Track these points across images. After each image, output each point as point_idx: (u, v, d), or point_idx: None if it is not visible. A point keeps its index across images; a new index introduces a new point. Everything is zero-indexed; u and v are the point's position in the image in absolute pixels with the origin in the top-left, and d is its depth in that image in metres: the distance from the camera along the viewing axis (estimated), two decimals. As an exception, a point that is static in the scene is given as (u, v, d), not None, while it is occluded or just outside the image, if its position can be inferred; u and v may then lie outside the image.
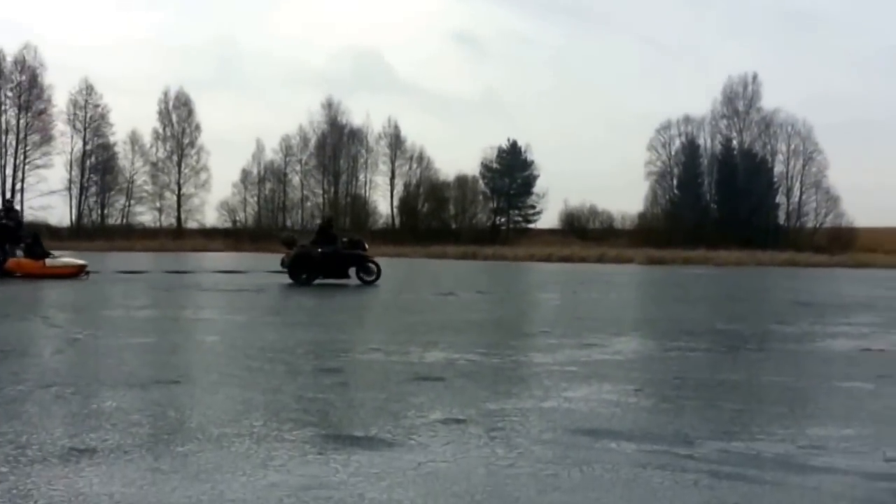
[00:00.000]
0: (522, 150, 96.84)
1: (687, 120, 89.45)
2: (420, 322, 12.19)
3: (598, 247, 68.59)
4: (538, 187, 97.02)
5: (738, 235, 74.12)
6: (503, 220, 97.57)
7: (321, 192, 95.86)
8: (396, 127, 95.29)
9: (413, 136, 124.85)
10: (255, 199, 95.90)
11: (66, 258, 23.80)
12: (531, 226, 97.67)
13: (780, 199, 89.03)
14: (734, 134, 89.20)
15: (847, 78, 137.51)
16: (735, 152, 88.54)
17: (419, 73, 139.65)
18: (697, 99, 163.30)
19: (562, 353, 8.63)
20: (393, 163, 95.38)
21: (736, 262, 55.29)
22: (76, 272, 22.39)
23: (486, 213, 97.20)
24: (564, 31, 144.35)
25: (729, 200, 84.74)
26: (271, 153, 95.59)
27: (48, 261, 22.30)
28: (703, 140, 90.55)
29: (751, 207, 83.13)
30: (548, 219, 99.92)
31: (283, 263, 21.79)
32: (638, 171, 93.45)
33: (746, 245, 68.50)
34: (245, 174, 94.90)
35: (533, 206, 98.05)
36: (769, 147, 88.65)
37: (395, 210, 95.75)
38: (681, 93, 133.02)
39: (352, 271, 21.53)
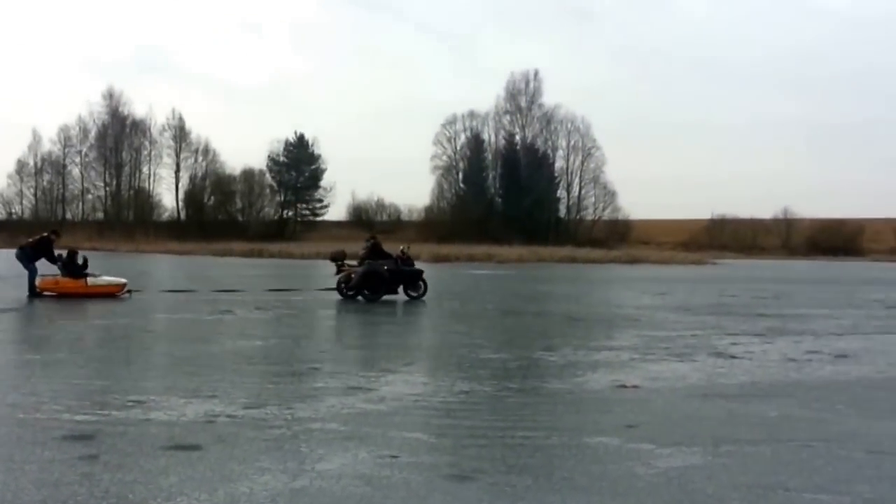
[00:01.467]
0: (310, 143, 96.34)
1: (472, 115, 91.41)
2: (190, 356, 11.81)
3: (384, 242, 69.01)
4: (326, 180, 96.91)
5: (522, 229, 76.38)
6: (291, 213, 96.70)
7: (102, 184, 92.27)
8: (181, 119, 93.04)
9: (198, 128, 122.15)
10: (32, 191, 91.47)
11: (107, 277, 22.59)
12: (320, 219, 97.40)
13: (561, 193, 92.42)
14: (517, 129, 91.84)
15: (623, 75, 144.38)
16: (518, 147, 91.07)
17: (205, 64, 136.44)
18: (483, 94, 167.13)
19: (327, 401, 8.51)
20: (178, 155, 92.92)
21: (518, 259, 56.90)
22: (118, 291, 21.74)
23: (273, 207, 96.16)
24: (354, 22, 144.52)
25: (512, 195, 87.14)
26: (49, 144, 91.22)
27: (90, 279, 21.49)
28: (488, 135, 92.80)
29: (533, 201, 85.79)
30: (336, 211, 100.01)
31: (339, 283, 22.57)
32: (425, 164, 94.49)
33: (530, 238, 70.77)
34: (21, 165, 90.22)
35: (321, 200, 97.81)
36: (550, 143, 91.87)
37: (180, 203, 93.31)
38: (467, 87, 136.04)
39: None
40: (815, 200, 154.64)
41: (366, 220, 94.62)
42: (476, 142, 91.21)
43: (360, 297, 21.97)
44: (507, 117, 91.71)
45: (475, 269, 47.45)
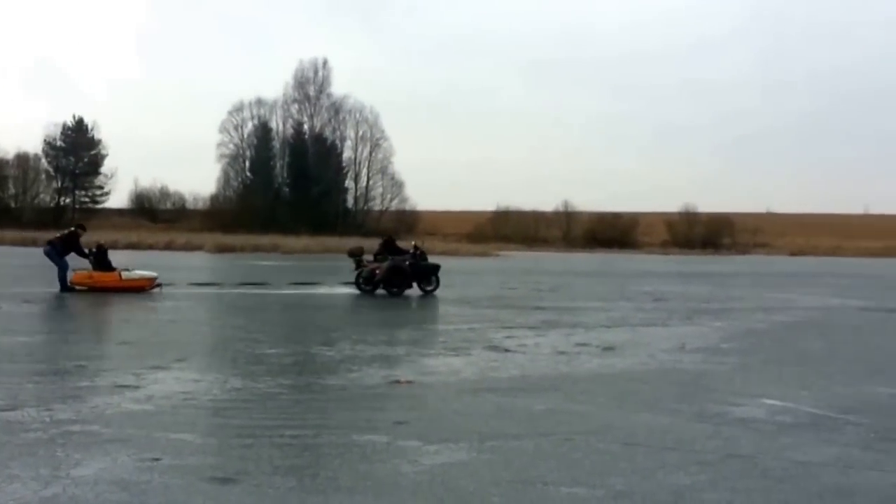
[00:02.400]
0: (89, 127, 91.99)
1: (259, 102, 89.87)
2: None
3: (167, 231, 67.09)
4: (106, 167, 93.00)
5: (309, 219, 75.80)
6: (68, 200, 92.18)
7: None
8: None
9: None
10: None
11: (139, 271, 22.84)
12: (100, 206, 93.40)
13: (349, 183, 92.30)
14: (305, 118, 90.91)
15: (412, 66, 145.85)
16: (306, 137, 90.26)
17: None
18: (271, 82, 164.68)
19: (90, 401, 8.15)
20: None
21: (304, 250, 56.44)
22: (149, 285, 21.89)
23: (49, 194, 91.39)
24: (143, 4, 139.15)
25: (300, 184, 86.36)
26: None
27: (124, 273, 21.79)
28: (276, 123, 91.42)
29: (321, 191, 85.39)
30: (118, 199, 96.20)
31: (358, 278, 23.12)
32: (211, 152, 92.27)
33: (317, 228, 70.40)
34: None
35: (101, 187, 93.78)
36: (339, 132, 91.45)
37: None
38: (255, 75, 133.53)
39: None
40: (596, 194, 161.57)
41: (149, 207, 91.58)
42: (263, 130, 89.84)
43: (377, 292, 22.75)
44: (296, 106, 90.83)
45: (260, 259, 46.77)
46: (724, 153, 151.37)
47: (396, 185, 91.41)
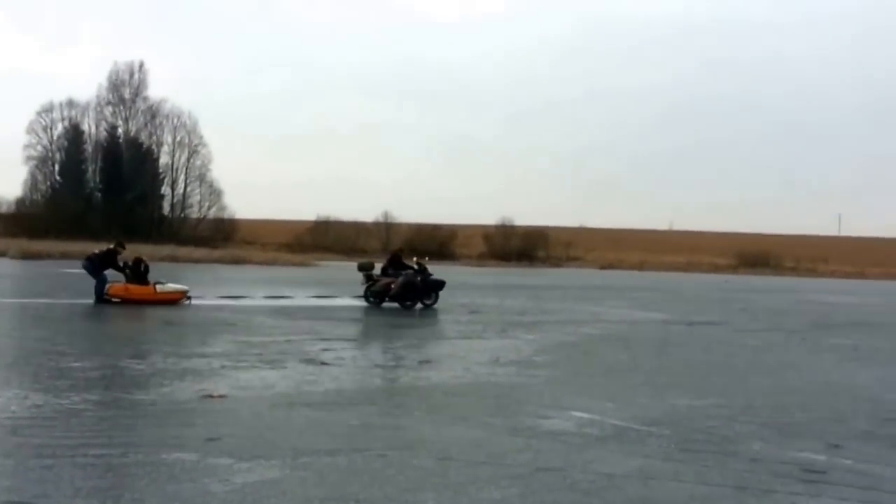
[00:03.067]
0: None
1: (71, 104, 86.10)
2: None
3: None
4: None
5: (123, 225, 73.05)
6: None
7: None
8: None
9: None
10: None
11: (172, 284, 23.39)
12: None
13: (166, 190, 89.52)
14: (120, 122, 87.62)
15: (232, 74, 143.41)
16: (121, 140, 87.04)
17: None
18: (84, 82, 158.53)
19: None
20: None
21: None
22: (181, 298, 22.54)
23: None
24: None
25: (114, 189, 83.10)
26: None
27: (159, 287, 22.45)
28: (88, 126, 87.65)
29: (135, 197, 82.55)
30: None
31: (367, 291, 24.37)
32: (17, 153, 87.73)
33: (131, 235, 67.93)
34: None
35: None
36: (155, 137, 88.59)
37: None
38: (66, 74, 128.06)
39: None
40: (417, 206, 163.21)
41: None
42: (75, 132, 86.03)
43: (383, 305, 24.05)
44: (110, 108, 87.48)
45: (70, 267, 44.77)
46: (541, 169, 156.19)
47: (215, 193, 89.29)
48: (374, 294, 24.25)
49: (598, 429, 8.48)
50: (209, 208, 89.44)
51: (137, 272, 22.49)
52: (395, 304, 24.01)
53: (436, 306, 24.21)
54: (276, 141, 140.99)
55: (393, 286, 24.00)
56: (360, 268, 25.23)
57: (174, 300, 22.38)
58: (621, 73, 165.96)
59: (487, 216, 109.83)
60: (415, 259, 25.53)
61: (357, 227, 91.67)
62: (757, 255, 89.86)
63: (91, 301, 21.62)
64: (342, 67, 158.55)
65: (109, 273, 22.17)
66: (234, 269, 49.90)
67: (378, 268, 24.92)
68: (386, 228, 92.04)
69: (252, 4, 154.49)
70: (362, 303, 24.51)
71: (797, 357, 15.92)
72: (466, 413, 9.15)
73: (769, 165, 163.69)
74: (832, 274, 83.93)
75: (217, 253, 64.28)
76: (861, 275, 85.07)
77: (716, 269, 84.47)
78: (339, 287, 31.18)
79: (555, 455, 7.31)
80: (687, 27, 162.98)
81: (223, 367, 11.90)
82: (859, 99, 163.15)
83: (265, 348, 14.04)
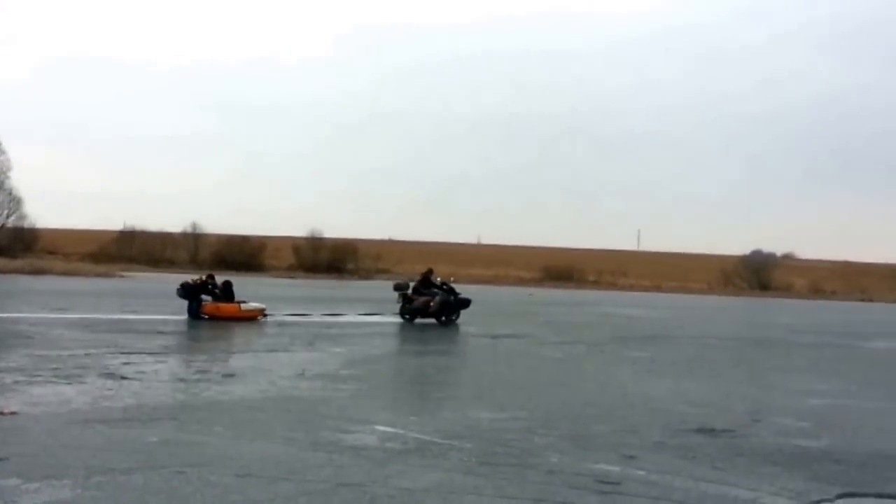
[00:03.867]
0: None
1: None
2: None
3: None
4: None
5: None
6: None
7: None
8: None
9: None
10: None
11: (253, 303, 25.71)
12: None
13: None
14: None
15: (47, 81, 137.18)
16: None
17: None
18: None
19: None
20: None
21: None
22: (259, 315, 25.00)
23: None
24: None
25: None
26: None
27: (242, 305, 24.96)
28: None
29: None
30: None
31: (403, 308, 26.63)
32: None
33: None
34: None
35: None
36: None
37: None
38: None
39: None
40: (226, 218, 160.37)
41: None
42: None
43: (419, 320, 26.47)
44: None
45: None
46: (351, 183, 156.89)
47: (14, 201, 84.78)
48: (412, 311, 26.65)
49: (400, 443, 8.53)
50: (8, 216, 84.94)
51: (227, 293, 25.11)
52: (431, 320, 26.44)
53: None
54: (83, 150, 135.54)
55: (432, 304, 26.43)
56: (397, 288, 27.57)
57: (254, 317, 24.80)
58: (430, 93, 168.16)
59: (297, 228, 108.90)
60: (439, 280, 27.88)
61: (164, 238, 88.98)
62: (561, 269, 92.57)
63: None
64: (154, 74, 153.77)
65: None
66: (33, 280, 47.47)
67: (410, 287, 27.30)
68: (194, 239, 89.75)
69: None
70: (397, 319, 26.78)
71: (597, 369, 16.50)
72: (269, 428, 9.03)
73: (574, 182, 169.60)
74: (631, 287, 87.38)
75: (16, 263, 60.94)
76: (658, 288, 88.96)
77: (521, 282, 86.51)
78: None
79: (356, 470, 7.30)
80: (492, 51, 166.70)
81: (16, 381, 11.37)
82: (654, 118, 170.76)
83: (63, 362, 13.49)
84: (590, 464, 7.93)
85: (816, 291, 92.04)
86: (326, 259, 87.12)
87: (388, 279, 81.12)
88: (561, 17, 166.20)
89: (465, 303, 27.44)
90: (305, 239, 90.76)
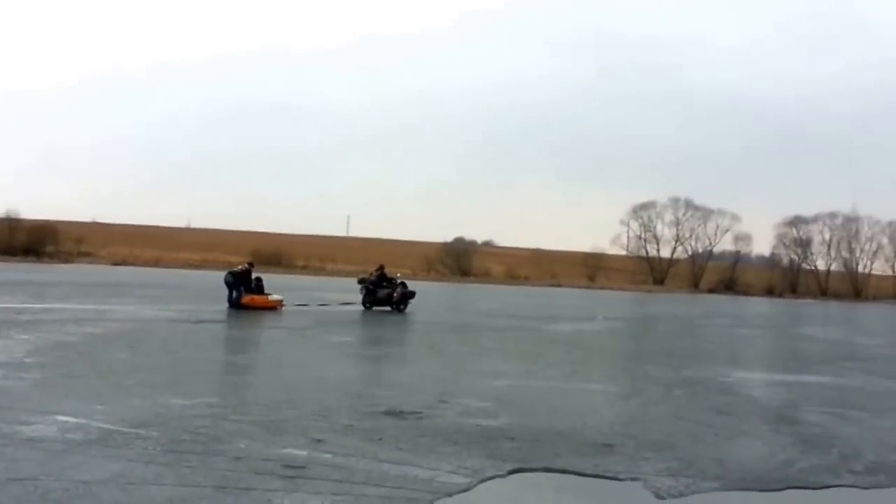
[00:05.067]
0: None
1: None
2: None
3: None
4: None
5: None
6: None
7: None
8: None
9: None
10: None
11: (275, 294, 29.74)
12: None
13: None
14: None
15: None
16: None
17: None
18: None
19: None
20: None
21: None
22: (279, 305, 29.07)
23: None
24: None
25: None
26: None
27: (270, 297, 29.03)
28: None
29: None
30: None
31: (366, 298, 31.73)
32: None
33: None
34: None
35: None
36: None
37: None
38: None
39: None
40: None
41: None
42: None
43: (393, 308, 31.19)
44: None
45: None
46: (53, 162, 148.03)
47: None
48: (377, 301, 31.50)
49: (82, 433, 8.22)
50: None
51: (259, 286, 29.07)
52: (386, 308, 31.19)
53: None
54: None
55: (395, 295, 31.46)
56: (360, 281, 32.72)
57: (274, 307, 28.44)
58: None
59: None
60: (398, 274, 34.83)
61: None
62: (270, 254, 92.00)
63: None
64: None
65: None
66: None
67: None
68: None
69: None
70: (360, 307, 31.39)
71: (297, 354, 16.58)
72: (-65, 423, 8.41)
73: (284, 167, 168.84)
74: (339, 272, 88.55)
75: None
76: (364, 273, 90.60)
77: (231, 266, 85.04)
78: None
79: (30, 463, 6.98)
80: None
81: None
82: (379, 110, 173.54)
83: None
84: (278, 449, 8.01)
85: (512, 277, 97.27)
86: (23, 241, 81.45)
87: (91, 263, 77.36)
88: None
89: (413, 294, 32.13)
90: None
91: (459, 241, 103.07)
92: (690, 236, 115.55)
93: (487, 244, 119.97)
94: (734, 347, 25.32)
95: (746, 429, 10.58)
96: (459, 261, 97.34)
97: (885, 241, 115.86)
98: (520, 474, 7.74)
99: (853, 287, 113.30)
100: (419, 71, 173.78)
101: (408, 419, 9.99)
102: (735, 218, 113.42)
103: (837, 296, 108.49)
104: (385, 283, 32.02)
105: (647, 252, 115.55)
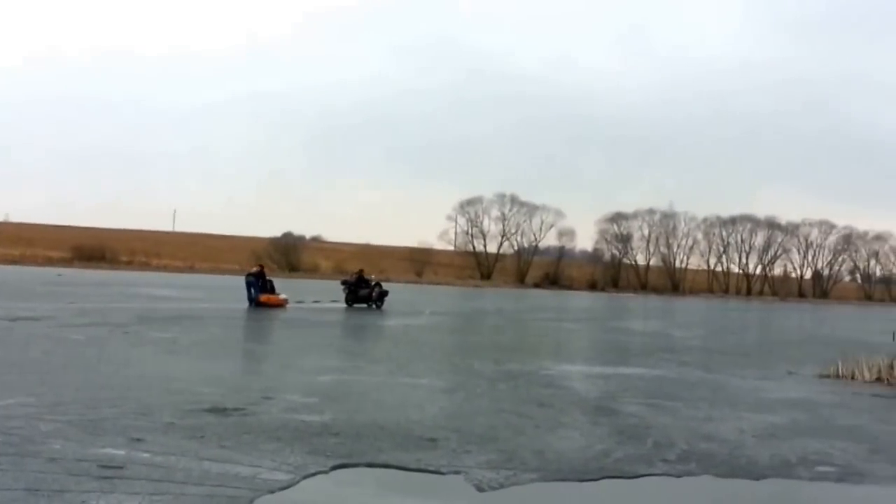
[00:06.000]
0: None
1: None
2: None
3: None
4: None
5: None
6: None
7: None
8: None
9: None
10: None
11: (283, 294, 35.04)
12: None
13: None
14: None
15: None
16: None
17: None
18: None
19: None
20: None
21: None
22: (285, 303, 34.13)
23: None
24: None
25: None
26: None
27: (280, 295, 34.35)
28: None
29: None
30: None
31: (349, 297, 37.14)
32: None
33: None
34: None
35: None
36: None
37: None
38: None
39: None
40: None
41: None
42: None
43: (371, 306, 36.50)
44: None
45: None
46: None
47: None
48: (359, 299, 36.73)
49: None
50: None
51: (272, 286, 34.45)
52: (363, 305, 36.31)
53: None
54: None
55: (374, 295, 36.84)
56: (344, 283, 37.90)
57: (283, 304, 33.67)
58: None
59: None
60: (372, 276, 39.49)
61: None
62: (93, 249, 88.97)
63: None
64: None
65: None
66: None
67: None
68: None
69: None
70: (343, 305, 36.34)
71: (118, 351, 16.10)
72: None
73: (110, 161, 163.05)
74: (165, 268, 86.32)
75: None
76: (192, 269, 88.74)
77: (50, 262, 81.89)
78: None
79: None
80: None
81: None
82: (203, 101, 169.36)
83: None
84: (95, 449, 7.82)
85: (340, 272, 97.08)
86: None
87: None
88: None
89: (387, 293, 37.65)
90: None
91: (288, 236, 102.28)
92: (516, 232, 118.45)
93: (316, 239, 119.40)
94: (558, 341, 26.18)
95: (566, 420, 10.97)
96: (288, 256, 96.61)
97: (700, 236, 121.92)
98: (342, 470, 7.82)
99: (671, 281, 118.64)
100: (254, 69, 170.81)
101: (231, 416, 9.91)
102: (559, 214, 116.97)
103: (656, 289, 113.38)
104: (364, 285, 37.34)
105: (473, 247, 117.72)
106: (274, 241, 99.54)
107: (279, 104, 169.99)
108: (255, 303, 32.79)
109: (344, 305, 36.50)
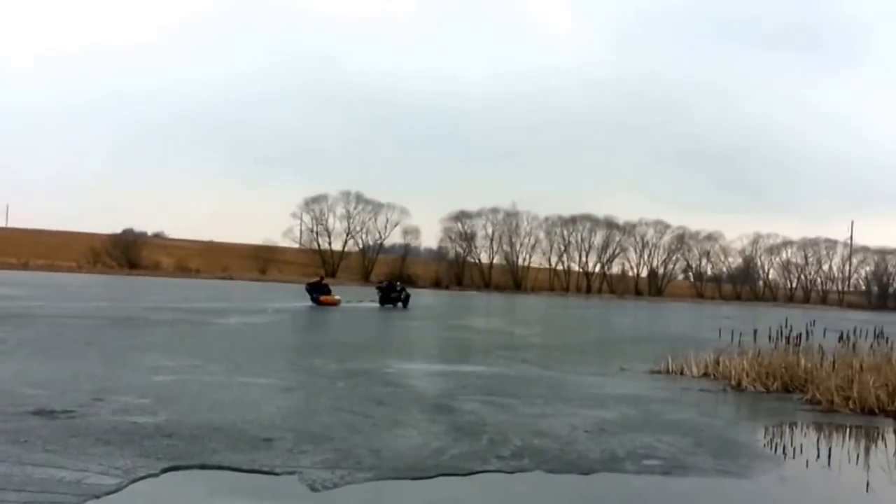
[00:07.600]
0: None
1: None
2: None
3: None
4: None
5: None
6: None
7: None
8: None
9: None
10: None
11: (337, 294, 44.57)
12: None
13: None
14: None
15: None
16: None
17: None
18: None
19: None
20: None
21: None
22: (338, 302, 43.21)
23: None
24: None
25: None
26: None
27: (335, 296, 43.44)
28: None
29: None
30: None
31: (381, 299, 45.72)
32: None
33: None
34: None
35: None
36: None
37: None
38: None
39: None
40: None
41: None
42: None
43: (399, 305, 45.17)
44: None
45: None
46: None
47: None
48: (391, 301, 45.24)
49: None
50: None
51: (328, 289, 43.53)
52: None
53: None
54: None
55: (402, 296, 45.46)
56: (379, 288, 46.71)
57: (337, 303, 42.74)
58: None
59: None
60: (398, 282, 50.51)
61: None
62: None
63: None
64: None
65: None
66: None
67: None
68: None
69: None
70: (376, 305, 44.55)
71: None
72: None
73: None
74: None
75: None
76: (25, 266, 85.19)
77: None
78: None
79: None
80: None
81: None
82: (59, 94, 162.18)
83: None
84: None
85: (183, 269, 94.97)
86: None
87: None
88: None
89: (409, 296, 46.76)
90: None
91: (128, 233, 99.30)
92: (361, 230, 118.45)
93: (158, 236, 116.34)
94: (400, 339, 26.31)
95: (404, 419, 11.04)
96: (128, 253, 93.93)
97: (542, 235, 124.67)
98: (173, 472, 7.67)
99: (514, 279, 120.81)
100: (109, 71, 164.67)
101: (58, 418, 9.58)
102: (404, 212, 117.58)
103: (500, 287, 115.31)
104: (396, 289, 46.30)
105: (318, 245, 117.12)
106: (113, 238, 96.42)
107: (124, 100, 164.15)
108: (315, 302, 42.01)
109: (377, 305, 44.76)
